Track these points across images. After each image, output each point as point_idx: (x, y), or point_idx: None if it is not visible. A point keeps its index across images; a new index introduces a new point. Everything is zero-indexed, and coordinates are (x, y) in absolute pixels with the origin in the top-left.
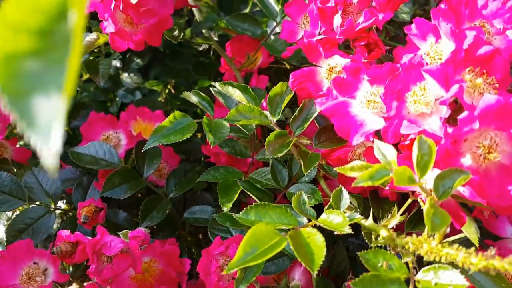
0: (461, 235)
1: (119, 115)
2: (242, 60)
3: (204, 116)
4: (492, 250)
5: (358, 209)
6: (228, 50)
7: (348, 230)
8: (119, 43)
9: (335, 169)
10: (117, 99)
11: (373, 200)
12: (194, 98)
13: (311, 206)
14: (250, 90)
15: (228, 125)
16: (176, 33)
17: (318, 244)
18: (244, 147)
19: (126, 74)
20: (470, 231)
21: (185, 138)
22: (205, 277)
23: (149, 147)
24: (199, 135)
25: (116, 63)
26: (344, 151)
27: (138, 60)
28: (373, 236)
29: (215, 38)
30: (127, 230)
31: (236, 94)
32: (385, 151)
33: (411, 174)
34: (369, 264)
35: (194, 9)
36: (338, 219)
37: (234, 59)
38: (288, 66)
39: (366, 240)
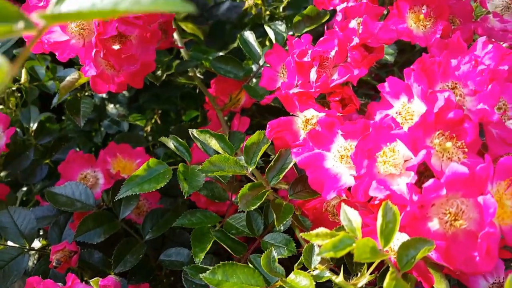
0: None
1: (104, 146)
2: (226, 99)
3: (180, 164)
4: None
5: (331, 262)
6: (212, 88)
7: None
8: (100, 85)
9: (300, 235)
10: (102, 129)
11: (348, 254)
12: (171, 144)
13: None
14: (226, 139)
15: (204, 175)
16: (159, 73)
17: None
18: (222, 190)
19: (112, 105)
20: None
21: (158, 188)
22: None
23: (121, 196)
24: None
25: (103, 94)
26: (320, 200)
27: (124, 92)
28: None
29: (200, 76)
30: (98, 278)
31: (212, 142)
32: (351, 217)
33: (374, 245)
34: None
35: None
36: (305, 282)
37: (217, 98)
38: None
39: None
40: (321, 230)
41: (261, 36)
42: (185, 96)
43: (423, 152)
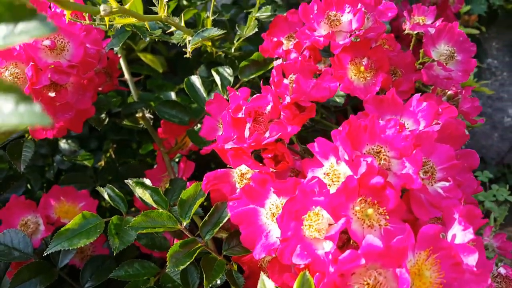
0: None
1: (56, 181)
2: (173, 142)
3: (115, 216)
4: None
5: None
6: (161, 129)
7: None
8: (38, 132)
9: None
10: (55, 164)
11: None
12: (105, 195)
13: None
14: (160, 193)
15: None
16: (103, 116)
17: None
18: (163, 239)
19: (63, 141)
20: None
21: (88, 243)
22: None
23: (49, 251)
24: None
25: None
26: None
27: None
28: None
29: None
30: None
31: (146, 196)
32: (268, 286)
33: None
34: None
35: (130, 86)
36: None
37: (165, 140)
38: None
39: None
40: None
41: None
42: (142, 132)
43: (341, 221)
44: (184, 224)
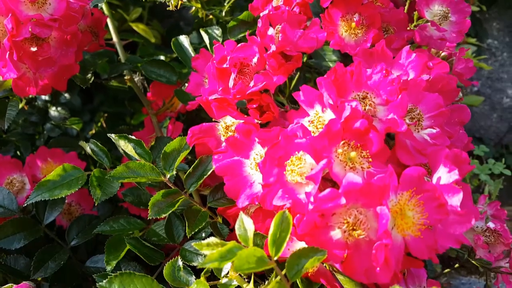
0: None
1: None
2: (161, 104)
3: (96, 169)
4: None
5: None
6: (150, 92)
7: None
8: (22, 88)
9: (192, 244)
10: (45, 132)
11: None
12: (88, 149)
13: None
14: (143, 145)
15: (119, 182)
16: (89, 76)
17: None
18: (149, 196)
19: (54, 108)
20: None
21: (69, 193)
22: None
23: (30, 202)
24: None
25: (45, 96)
26: (242, 207)
27: (66, 94)
28: None
29: (137, 78)
30: (11, 285)
31: (128, 148)
32: (247, 226)
33: (262, 255)
34: None
35: (118, 49)
36: None
37: (153, 103)
38: None
39: None
40: (212, 240)
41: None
42: (133, 99)
43: (323, 162)
44: (168, 176)
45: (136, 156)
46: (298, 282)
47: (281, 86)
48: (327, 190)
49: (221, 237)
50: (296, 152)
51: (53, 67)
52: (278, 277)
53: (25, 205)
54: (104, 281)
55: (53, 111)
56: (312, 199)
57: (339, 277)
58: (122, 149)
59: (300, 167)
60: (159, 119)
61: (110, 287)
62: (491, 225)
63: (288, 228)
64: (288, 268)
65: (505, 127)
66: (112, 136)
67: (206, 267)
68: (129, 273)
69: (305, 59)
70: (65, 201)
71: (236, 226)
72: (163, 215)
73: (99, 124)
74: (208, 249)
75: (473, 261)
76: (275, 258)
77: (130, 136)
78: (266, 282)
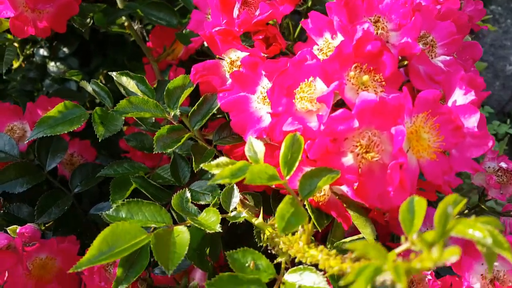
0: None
1: None
2: (161, 51)
3: (98, 107)
4: (351, 254)
5: (256, 208)
6: (150, 40)
7: (218, 229)
8: (20, 29)
9: (201, 165)
10: (44, 89)
11: (275, 200)
12: (89, 88)
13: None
14: (146, 81)
15: (123, 118)
16: (87, 20)
17: (182, 243)
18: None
19: (53, 63)
20: (366, 232)
21: (71, 130)
22: (87, 276)
23: (32, 138)
24: (124, 128)
25: (44, 51)
26: None
27: (64, 49)
28: (261, 236)
29: (137, 26)
30: (16, 226)
31: (131, 85)
32: (256, 148)
33: (274, 173)
34: (236, 264)
35: None
36: (213, 218)
37: (154, 50)
38: None
39: (256, 240)
40: (222, 159)
41: None
42: (132, 57)
43: (334, 83)
44: (172, 114)
45: (139, 93)
46: (309, 212)
47: (285, 33)
48: (340, 111)
49: None
50: (306, 79)
51: (52, 4)
52: (288, 197)
53: (27, 149)
54: (111, 209)
55: (52, 67)
56: (324, 122)
57: (349, 212)
58: (124, 88)
59: (310, 93)
60: (160, 66)
61: (117, 215)
62: (503, 164)
63: (299, 150)
64: (300, 188)
65: (507, 95)
66: (114, 74)
67: (213, 200)
68: (136, 201)
69: None
70: (67, 150)
71: (246, 149)
72: (169, 150)
73: (98, 81)
74: (217, 169)
75: (483, 206)
76: (287, 178)
77: (132, 73)
78: None
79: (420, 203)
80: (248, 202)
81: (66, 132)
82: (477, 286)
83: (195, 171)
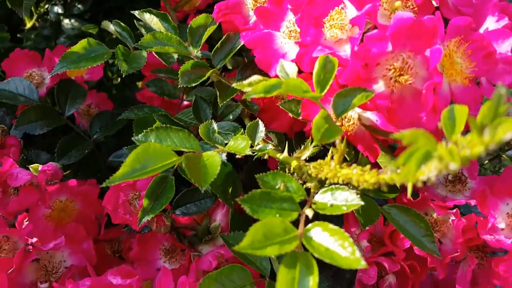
0: None
1: None
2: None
3: (120, 45)
4: (388, 168)
5: (279, 147)
6: None
7: (248, 152)
8: None
9: (233, 85)
10: None
11: (297, 140)
12: (112, 28)
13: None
14: (169, 18)
15: (146, 55)
16: None
17: (214, 164)
18: (173, 88)
19: (67, 20)
20: (385, 162)
21: (95, 65)
22: (112, 211)
23: (55, 72)
24: (139, 84)
25: (58, 9)
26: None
27: (79, 6)
28: (287, 171)
29: None
30: (38, 164)
31: (154, 22)
32: (288, 69)
33: (307, 88)
34: (266, 187)
35: None
36: (242, 144)
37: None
38: None
39: None
40: (254, 78)
41: None
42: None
43: (368, 5)
44: (195, 52)
45: (163, 30)
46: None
47: None
48: (375, 30)
49: (253, 111)
50: (336, 7)
51: None
52: (322, 112)
53: (45, 96)
54: (140, 135)
55: (67, 24)
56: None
57: None
58: (145, 27)
59: (341, 19)
60: (178, 16)
61: (146, 140)
62: None
63: (332, 70)
64: (334, 106)
65: None
66: (136, 12)
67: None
68: (165, 127)
69: None
70: (86, 97)
71: (278, 70)
72: (193, 84)
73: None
74: (249, 87)
75: (504, 156)
76: (321, 94)
77: (154, 10)
78: (302, 147)
79: (460, 110)
80: (271, 142)
81: (89, 66)
82: (502, 225)
83: (218, 111)
